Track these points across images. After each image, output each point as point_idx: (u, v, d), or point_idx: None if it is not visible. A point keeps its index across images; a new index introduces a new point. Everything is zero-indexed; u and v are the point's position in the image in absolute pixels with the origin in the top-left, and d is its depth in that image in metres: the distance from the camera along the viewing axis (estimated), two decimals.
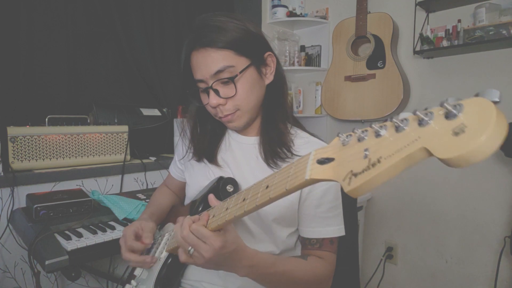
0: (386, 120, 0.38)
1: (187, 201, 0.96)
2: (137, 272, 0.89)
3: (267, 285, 0.74)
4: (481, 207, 1.86)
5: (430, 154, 0.32)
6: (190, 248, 0.62)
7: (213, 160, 0.89)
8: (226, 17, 0.78)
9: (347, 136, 0.41)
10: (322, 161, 0.43)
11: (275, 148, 0.82)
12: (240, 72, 0.77)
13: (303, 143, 0.85)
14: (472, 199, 1.89)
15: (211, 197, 0.68)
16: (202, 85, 0.79)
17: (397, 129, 0.35)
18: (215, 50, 0.75)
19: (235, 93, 0.77)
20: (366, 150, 0.37)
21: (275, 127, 0.84)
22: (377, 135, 0.37)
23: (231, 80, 0.77)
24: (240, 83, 0.77)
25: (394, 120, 0.35)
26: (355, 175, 0.36)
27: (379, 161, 0.34)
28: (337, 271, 0.84)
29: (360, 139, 0.39)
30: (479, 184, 1.86)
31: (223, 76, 0.76)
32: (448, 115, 0.32)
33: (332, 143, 0.44)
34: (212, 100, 0.77)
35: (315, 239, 0.82)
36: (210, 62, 0.76)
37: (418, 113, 0.33)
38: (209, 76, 0.77)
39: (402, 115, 0.36)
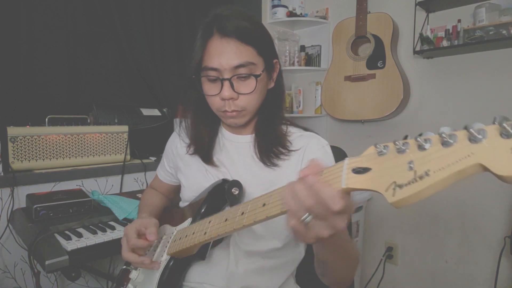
0: (420, 134, 0.38)
1: (183, 203, 0.94)
2: (133, 275, 0.87)
3: (339, 253, 0.63)
4: (481, 207, 1.86)
5: (485, 169, 0.33)
6: (306, 216, 0.46)
7: (208, 160, 0.88)
8: (250, 14, 0.79)
9: (384, 147, 0.41)
10: (358, 171, 0.43)
11: (270, 147, 0.82)
12: (262, 71, 0.77)
13: (297, 137, 0.86)
14: (472, 199, 1.89)
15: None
16: (213, 74, 0.76)
17: (445, 144, 0.36)
18: (240, 43, 0.74)
19: (252, 91, 0.77)
20: (410, 162, 0.37)
21: (271, 128, 0.85)
22: (421, 148, 0.37)
23: (255, 77, 0.76)
24: (258, 82, 0.77)
25: (441, 134, 0.36)
26: (400, 186, 0.37)
27: (427, 174, 0.35)
28: None
29: (400, 151, 0.39)
30: (479, 184, 1.86)
31: (242, 71, 0.75)
32: (505, 134, 0.33)
33: (366, 152, 0.44)
34: (226, 92, 0.75)
35: None
36: (234, 53, 0.74)
37: (471, 130, 0.34)
38: (228, 68, 0.74)
39: (445, 129, 0.36)
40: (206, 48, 0.77)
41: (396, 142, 0.40)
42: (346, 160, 0.46)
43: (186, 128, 0.91)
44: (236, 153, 0.88)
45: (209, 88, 0.79)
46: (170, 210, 1.02)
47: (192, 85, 0.83)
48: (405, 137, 0.40)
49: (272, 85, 0.85)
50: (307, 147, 0.84)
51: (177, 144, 0.97)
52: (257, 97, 0.79)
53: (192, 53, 0.80)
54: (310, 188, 0.45)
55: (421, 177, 0.36)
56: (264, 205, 0.56)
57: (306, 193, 0.45)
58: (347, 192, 0.45)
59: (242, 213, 0.59)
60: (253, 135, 0.86)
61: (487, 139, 0.33)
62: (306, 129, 0.90)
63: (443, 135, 0.36)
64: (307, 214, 0.46)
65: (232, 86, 0.76)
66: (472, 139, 0.34)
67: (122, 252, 0.80)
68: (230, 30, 0.74)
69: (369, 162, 0.42)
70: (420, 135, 0.38)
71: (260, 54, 0.77)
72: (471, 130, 0.34)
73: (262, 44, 0.78)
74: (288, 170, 0.83)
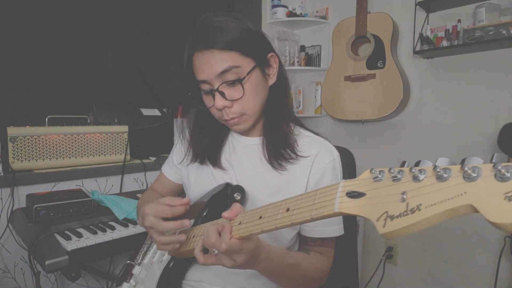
0: (418, 162, 0.38)
1: None
2: (135, 270, 0.88)
3: (278, 278, 0.74)
4: None
5: (476, 211, 0.32)
6: (214, 250, 0.60)
7: (216, 163, 0.87)
8: (228, 17, 0.77)
9: (379, 172, 0.41)
10: (352, 195, 0.42)
11: (278, 149, 0.82)
12: (248, 74, 0.76)
13: (308, 142, 0.85)
14: None
15: (238, 206, 0.65)
16: (205, 87, 0.77)
17: (439, 178, 0.35)
18: (220, 51, 0.74)
19: (242, 95, 0.76)
20: (403, 193, 0.37)
21: (278, 128, 0.84)
22: (416, 179, 0.37)
23: (239, 81, 0.75)
24: (247, 84, 0.76)
25: (436, 168, 0.35)
26: (391, 217, 0.36)
27: (419, 209, 0.35)
28: (337, 270, 0.84)
29: (395, 179, 0.39)
30: None
31: (229, 77, 0.74)
32: (500, 177, 0.31)
33: (362, 176, 0.44)
34: (218, 102, 0.76)
35: (317, 237, 0.83)
36: (214, 63, 0.74)
37: (466, 168, 0.33)
38: (213, 77, 0.75)
39: (442, 161, 0.36)
40: (192, 63, 0.78)
41: (392, 170, 0.39)
42: (342, 183, 0.46)
43: (189, 139, 0.90)
44: (245, 155, 0.87)
45: (206, 100, 0.80)
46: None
47: (190, 100, 0.84)
48: (403, 164, 0.40)
49: (272, 81, 0.83)
50: (317, 156, 0.82)
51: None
52: (253, 99, 0.78)
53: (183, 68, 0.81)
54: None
55: (412, 211, 0.35)
56: (260, 218, 0.56)
57: (213, 235, 0.60)
58: (244, 238, 0.58)
59: (240, 223, 0.60)
60: (262, 137, 0.86)
61: (481, 178, 0.32)
62: (316, 133, 0.89)
63: (438, 169, 0.35)
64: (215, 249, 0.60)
65: (223, 94, 0.76)
66: (466, 177, 0.33)
67: (158, 227, 0.72)
68: (209, 42, 0.74)
69: (364, 187, 0.42)
70: (418, 163, 0.38)
71: (246, 55, 0.76)
72: (465, 168, 0.33)
73: (246, 44, 0.76)
74: (295, 176, 0.82)
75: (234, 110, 0.78)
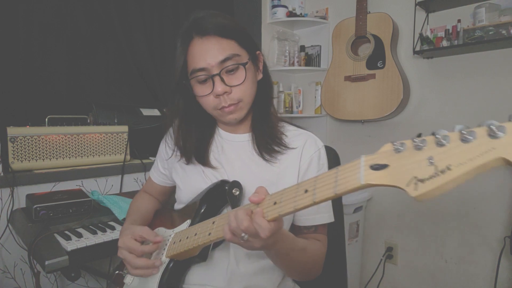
0: (433, 133, 0.40)
1: (179, 205, 0.93)
2: (127, 280, 0.85)
3: (288, 263, 0.75)
4: (481, 207, 1.87)
5: (507, 163, 0.35)
6: (244, 235, 0.60)
7: (205, 162, 0.87)
8: (224, 13, 0.81)
9: (401, 144, 0.42)
10: (376, 167, 0.44)
11: (269, 141, 0.83)
12: (248, 60, 0.79)
13: (294, 135, 0.87)
14: (472, 199, 1.89)
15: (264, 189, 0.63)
16: (202, 75, 0.77)
17: (464, 140, 0.37)
18: (221, 39, 0.76)
19: (243, 80, 0.77)
20: (430, 158, 0.39)
21: (266, 121, 0.86)
22: (440, 144, 0.39)
23: (243, 65, 0.77)
24: (247, 71, 0.79)
25: (461, 131, 0.37)
26: (422, 181, 0.38)
27: (449, 168, 0.37)
28: (327, 267, 0.85)
29: (418, 148, 0.40)
30: (479, 184, 1.86)
31: (229, 64, 0.76)
32: None
33: (382, 150, 0.45)
34: (218, 87, 0.76)
35: (311, 225, 0.85)
36: (217, 49, 0.76)
37: (492, 126, 0.35)
38: (215, 64, 0.76)
39: (460, 127, 0.38)
40: (188, 52, 0.78)
41: (414, 139, 0.41)
42: (363, 157, 0.46)
43: (175, 137, 0.90)
44: (234, 152, 0.88)
45: (201, 90, 0.80)
46: (164, 213, 1.00)
47: (180, 92, 0.84)
48: (419, 135, 0.41)
49: (260, 76, 0.86)
50: (305, 147, 0.85)
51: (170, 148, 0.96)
52: (250, 87, 0.80)
53: (175, 62, 0.81)
54: (250, 216, 0.59)
55: (442, 171, 0.37)
56: (275, 203, 0.57)
57: (246, 219, 0.58)
58: (276, 220, 0.58)
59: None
60: (250, 133, 0.87)
61: (506, 135, 0.35)
62: (299, 127, 0.91)
63: (463, 131, 0.37)
64: (244, 234, 0.59)
65: (223, 80, 0.77)
66: (492, 135, 0.35)
67: (130, 261, 0.77)
68: (208, 28, 0.76)
69: (386, 158, 0.43)
70: (433, 133, 0.40)
71: (242, 46, 0.79)
72: (491, 126, 0.35)
73: (242, 36, 0.80)
74: (286, 168, 0.83)
75: (232, 96, 0.78)
